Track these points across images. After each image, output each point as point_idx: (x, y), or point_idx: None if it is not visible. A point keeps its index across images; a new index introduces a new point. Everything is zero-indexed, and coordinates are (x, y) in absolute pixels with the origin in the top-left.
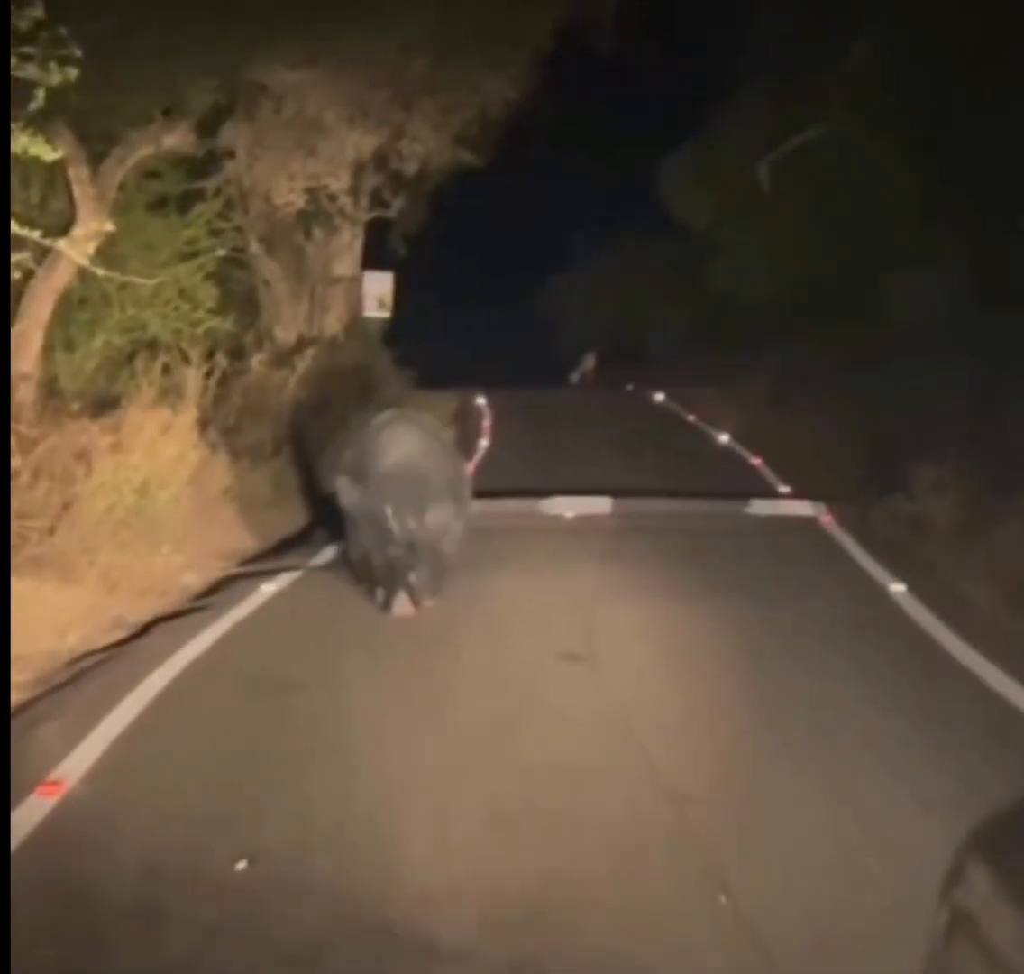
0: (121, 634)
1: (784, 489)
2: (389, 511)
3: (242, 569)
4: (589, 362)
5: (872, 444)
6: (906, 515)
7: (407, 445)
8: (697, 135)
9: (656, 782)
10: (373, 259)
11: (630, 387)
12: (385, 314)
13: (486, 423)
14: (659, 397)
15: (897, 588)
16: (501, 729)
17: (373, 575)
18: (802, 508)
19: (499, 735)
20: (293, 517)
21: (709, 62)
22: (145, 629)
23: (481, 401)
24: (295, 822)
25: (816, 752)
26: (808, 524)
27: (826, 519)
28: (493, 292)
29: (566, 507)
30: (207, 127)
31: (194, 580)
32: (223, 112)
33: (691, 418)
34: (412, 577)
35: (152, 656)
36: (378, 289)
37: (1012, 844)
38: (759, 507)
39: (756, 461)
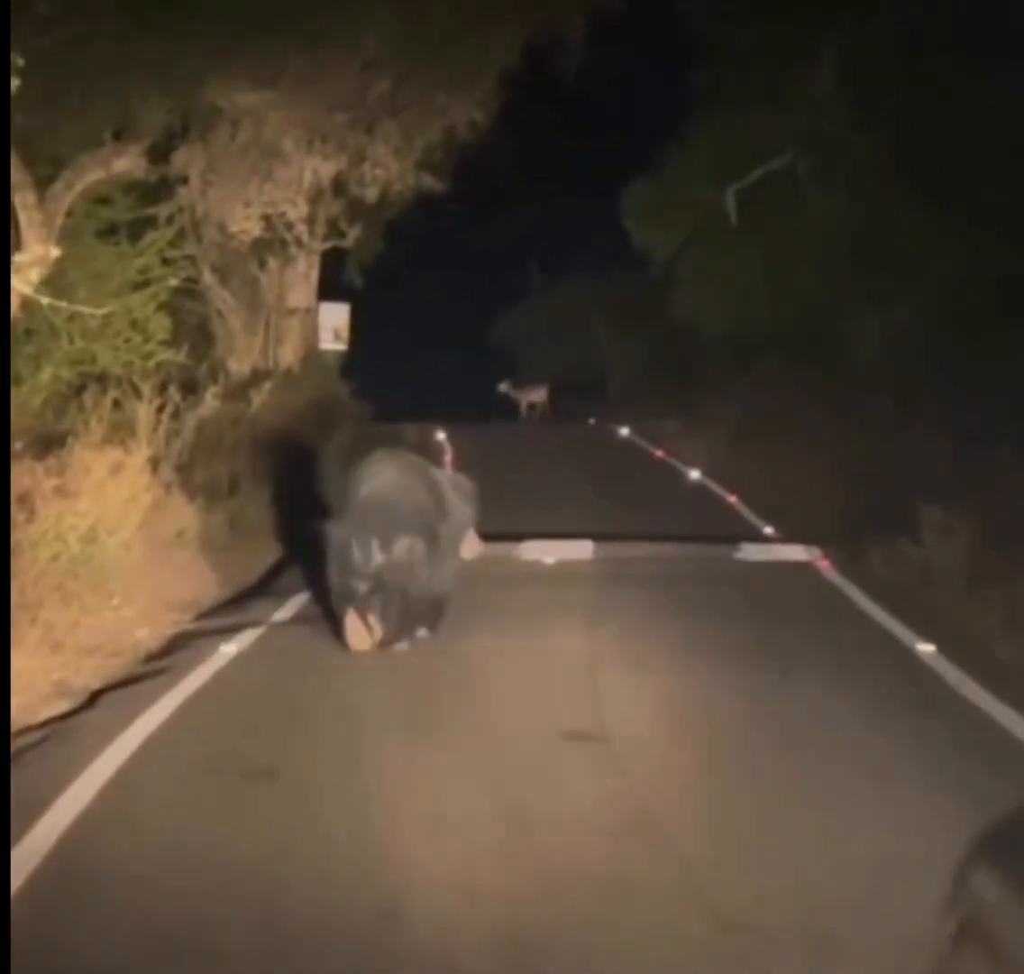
0: (64, 704)
1: (768, 530)
2: (354, 541)
3: (200, 625)
4: (537, 395)
5: (853, 483)
6: (910, 560)
7: (383, 478)
8: (659, 166)
9: (701, 902)
10: (329, 290)
11: (593, 421)
12: (341, 346)
13: (448, 459)
14: (624, 431)
15: (925, 649)
16: (511, 833)
17: (338, 609)
18: (795, 552)
19: (510, 842)
20: (253, 560)
21: (670, 90)
22: (91, 699)
23: (441, 436)
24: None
25: (887, 883)
26: (804, 570)
27: (823, 564)
28: (450, 324)
29: (545, 552)
30: (160, 152)
31: (147, 636)
32: (176, 136)
33: (659, 453)
34: (375, 612)
35: (97, 736)
36: (334, 321)
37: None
38: (750, 551)
39: (732, 499)
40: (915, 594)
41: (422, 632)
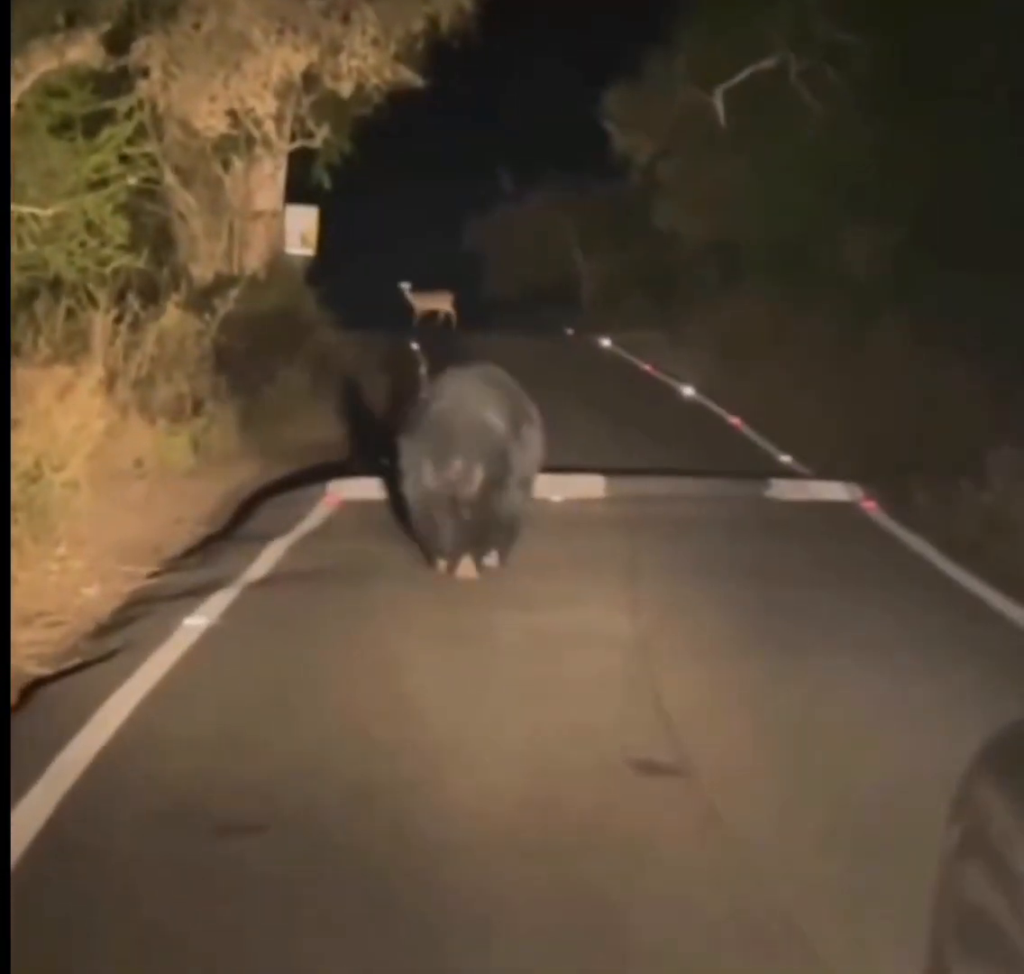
0: None
1: (786, 459)
2: (423, 457)
3: (160, 581)
4: (439, 303)
5: (870, 411)
6: (970, 506)
7: (456, 394)
8: (640, 67)
9: None
10: (296, 193)
11: (570, 331)
12: (309, 251)
13: (423, 371)
14: (605, 343)
15: None
16: (589, 918)
17: (418, 529)
18: (833, 490)
19: (587, 929)
20: (219, 489)
21: None
22: (21, 698)
23: (415, 347)
24: None
25: None
26: (848, 513)
27: (868, 505)
28: (420, 230)
29: (552, 489)
30: (118, 41)
31: (97, 597)
32: (136, 24)
33: (647, 368)
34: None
35: (21, 765)
36: (301, 225)
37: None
38: (782, 489)
39: (735, 421)
40: (989, 546)
41: (491, 558)
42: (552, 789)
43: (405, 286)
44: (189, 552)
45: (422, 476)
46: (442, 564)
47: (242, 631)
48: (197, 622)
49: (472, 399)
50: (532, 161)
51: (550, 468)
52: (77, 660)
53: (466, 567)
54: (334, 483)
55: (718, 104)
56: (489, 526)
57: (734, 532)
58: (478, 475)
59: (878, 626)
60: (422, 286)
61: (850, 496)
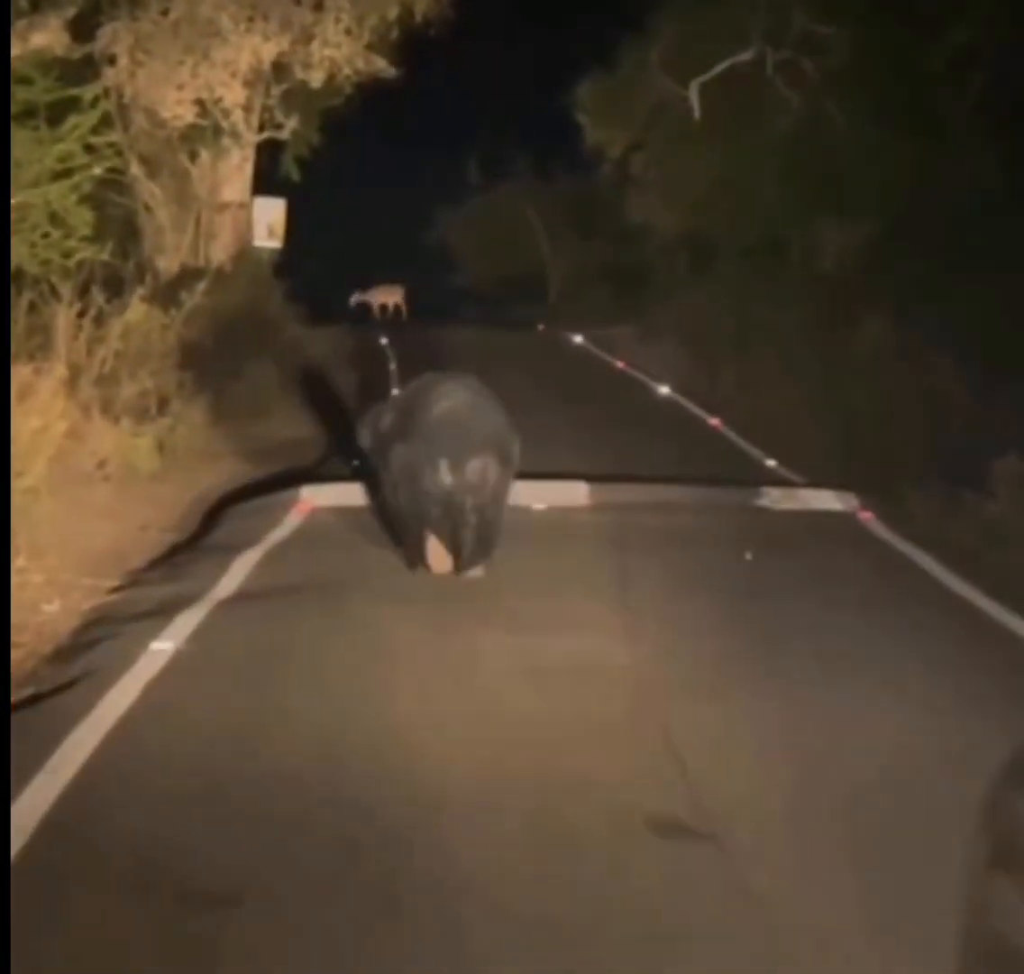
0: None
1: (771, 463)
2: (426, 463)
3: (124, 596)
4: (391, 296)
5: (854, 414)
6: (969, 516)
7: (454, 399)
8: (611, 59)
9: None
10: (264, 184)
11: (541, 327)
12: (276, 244)
13: (393, 367)
14: (577, 339)
15: None
16: None
17: (406, 536)
18: (827, 500)
19: None
20: (186, 493)
21: None
22: None
23: (384, 342)
24: None
25: None
26: (845, 524)
27: (864, 516)
28: (387, 221)
29: (533, 495)
30: (84, 27)
31: (57, 614)
32: (103, 11)
33: (620, 365)
34: (446, 537)
35: None
36: (269, 216)
37: None
38: (774, 498)
39: (714, 421)
40: (995, 559)
41: (476, 570)
42: (557, 855)
43: (354, 298)
44: (155, 563)
45: (438, 479)
46: (439, 565)
47: (210, 657)
48: (163, 646)
49: (472, 402)
50: (501, 152)
51: (530, 473)
52: (32, 690)
53: (439, 558)
54: (307, 488)
55: (693, 97)
56: (488, 534)
57: (727, 544)
58: (493, 474)
59: (891, 651)
60: (382, 278)
61: (845, 506)
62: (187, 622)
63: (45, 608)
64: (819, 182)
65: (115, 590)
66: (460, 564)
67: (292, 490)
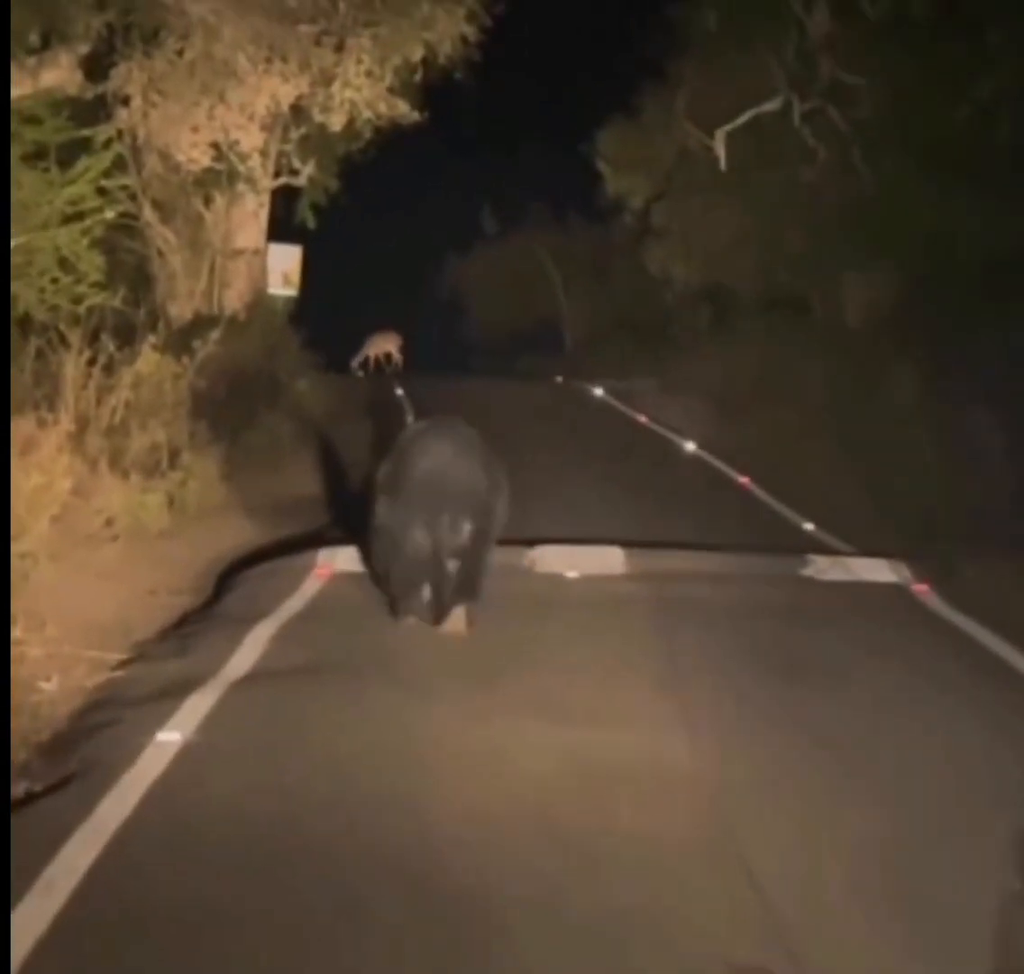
0: None
1: (809, 526)
2: (411, 521)
3: (128, 674)
4: (387, 345)
5: (889, 470)
6: None
7: (438, 455)
8: (633, 108)
9: None
10: (278, 230)
11: (559, 379)
12: (291, 291)
13: (410, 420)
14: (598, 392)
15: None
16: None
17: (391, 591)
18: (878, 570)
19: None
20: (196, 550)
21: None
22: None
23: (400, 393)
24: None
25: None
26: (901, 599)
27: (919, 589)
28: (401, 269)
29: (565, 562)
30: (97, 66)
31: (55, 692)
32: (116, 50)
33: (642, 419)
34: (429, 592)
35: None
36: (284, 264)
37: None
38: (821, 567)
39: (744, 481)
40: None
41: (458, 622)
42: None
43: (354, 362)
44: (163, 634)
45: (411, 534)
46: (410, 620)
47: (220, 753)
48: (170, 738)
49: (453, 456)
50: (517, 200)
51: (562, 538)
52: (24, 786)
53: (455, 621)
54: (325, 551)
55: (719, 147)
56: (467, 583)
57: (778, 620)
58: (466, 529)
59: (987, 757)
60: (375, 328)
61: (898, 577)
62: (196, 708)
63: (43, 686)
64: (846, 233)
65: (120, 665)
66: (439, 619)
67: (308, 553)
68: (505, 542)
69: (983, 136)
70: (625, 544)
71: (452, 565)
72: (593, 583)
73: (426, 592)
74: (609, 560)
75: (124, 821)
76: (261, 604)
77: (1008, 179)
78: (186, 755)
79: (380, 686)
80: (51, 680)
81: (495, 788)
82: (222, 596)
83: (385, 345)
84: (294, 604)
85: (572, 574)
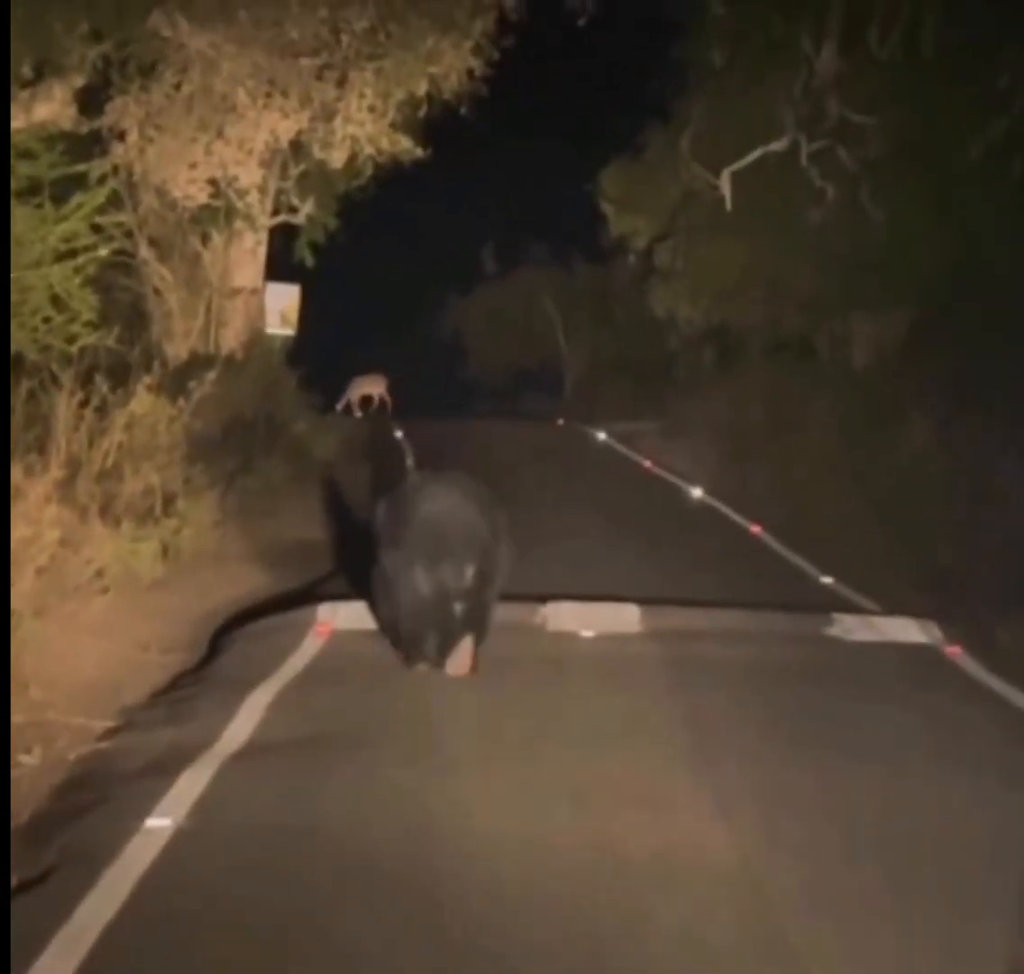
0: None
1: (827, 580)
2: (415, 568)
3: (115, 745)
4: (371, 387)
5: (906, 521)
6: None
7: (439, 502)
8: (636, 147)
9: None
10: (275, 269)
11: (561, 421)
12: (289, 331)
13: (410, 463)
14: (601, 436)
15: None
16: None
17: (401, 637)
18: (907, 630)
19: None
20: (191, 602)
21: (652, 67)
22: None
23: (399, 435)
24: None
25: None
26: (934, 660)
27: (952, 651)
28: (399, 308)
29: (578, 620)
30: (92, 100)
31: (35, 766)
32: (112, 84)
33: (647, 464)
34: (437, 638)
35: None
36: (282, 303)
37: None
38: (847, 626)
39: (755, 530)
40: None
41: (461, 666)
42: None
43: (339, 405)
44: (154, 698)
45: (415, 580)
46: (422, 667)
47: (217, 840)
48: (160, 824)
49: (455, 504)
50: (518, 240)
51: (573, 594)
52: None
53: (459, 665)
54: (325, 607)
55: (725, 187)
56: (472, 623)
57: (809, 684)
58: (470, 572)
59: None
60: (373, 369)
61: (928, 637)
62: (188, 787)
63: (23, 760)
64: (854, 274)
65: (107, 734)
66: (444, 662)
67: (308, 608)
68: (515, 598)
69: (995, 176)
70: (640, 601)
71: (458, 609)
72: (609, 643)
73: (433, 638)
74: (624, 617)
75: (107, 925)
76: (258, 665)
77: (1021, 220)
78: (177, 844)
79: (392, 762)
80: (32, 752)
81: (511, 881)
82: (217, 655)
83: (368, 388)
84: (294, 665)
85: (587, 633)
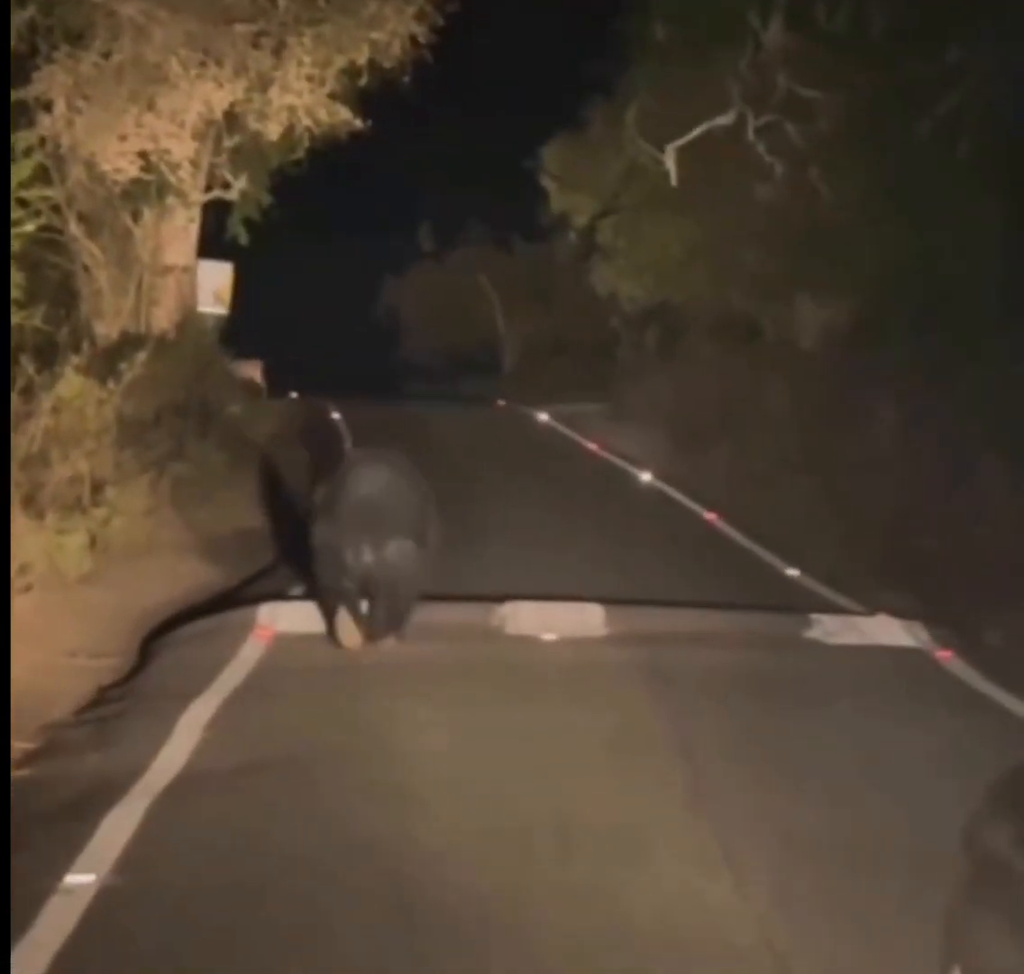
0: None
1: (793, 572)
2: (345, 542)
3: (34, 773)
4: (252, 371)
5: (871, 510)
6: None
7: (372, 480)
8: (580, 123)
9: None
10: (208, 246)
11: (502, 403)
12: (222, 310)
13: (347, 446)
14: (543, 417)
15: None
16: None
17: (328, 609)
18: (891, 631)
19: None
20: (122, 598)
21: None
22: None
23: (336, 416)
24: None
25: None
26: (924, 664)
27: (943, 655)
28: (335, 287)
29: (539, 622)
30: (17, 68)
31: None
32: (39, 51)
33: (593, 447)
34: (364, 609)
35: None
36: (215, 281)
37: None
38: (828, 628)
39: (711, 516)
40: None
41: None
42: None
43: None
44: (81, 712)
45: (353, 558)
46: (348, 641)
47: (146, 901)
48: (81, 881)
49: (389, 482)
50: (456, 218)
51: (530, 593)
52: None
53: (350, 635)
54: (266, 608)
55: (670, 162)
56: (403, 595)
57: (795, 696)
58: (406, 554)
59: None
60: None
61: (915, 640)
62: (114, 832)
63: None
64: (802, 253)
65: (27, 759)
66: (371, 635)
67: (247, 608)
68: (468, 597)
69: (944, 153)
70: (603, 600)
71: (388, 589)
72: (574, 648)
73: (362, 607)
74: (588, 619)
75: None
76: (194, 675)
77: (970, 196)
78: (101, 906)
79: (346, 799)
80: None
81: (519, 952)
82: (149, 663)
83: (249, 371)
84: (233, 675)
85: (549, 637)
